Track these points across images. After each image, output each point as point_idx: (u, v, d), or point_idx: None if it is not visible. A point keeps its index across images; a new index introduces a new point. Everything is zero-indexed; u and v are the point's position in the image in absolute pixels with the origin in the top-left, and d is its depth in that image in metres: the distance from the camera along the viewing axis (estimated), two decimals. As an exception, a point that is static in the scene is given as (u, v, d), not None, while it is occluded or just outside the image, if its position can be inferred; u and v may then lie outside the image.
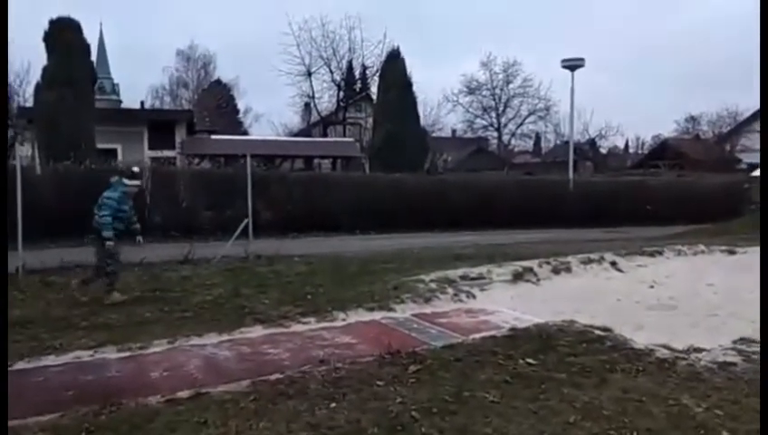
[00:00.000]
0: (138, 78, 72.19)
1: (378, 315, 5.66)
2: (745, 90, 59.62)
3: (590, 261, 8.62)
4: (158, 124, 26.83)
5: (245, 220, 9.53)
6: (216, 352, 4.46)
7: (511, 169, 35.55)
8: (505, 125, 42.36)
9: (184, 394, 3.52)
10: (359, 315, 5.65)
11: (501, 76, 40.34)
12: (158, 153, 24.60)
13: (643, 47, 68.52)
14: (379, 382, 3.70)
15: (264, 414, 3.22)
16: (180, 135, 27.32)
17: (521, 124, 42.32)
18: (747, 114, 35.02)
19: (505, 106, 41.52)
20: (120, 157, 21.47)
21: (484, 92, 41.31)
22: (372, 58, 32.40)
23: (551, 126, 42.12)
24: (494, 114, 42.14)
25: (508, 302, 6.49)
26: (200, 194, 14.21)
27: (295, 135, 38.39)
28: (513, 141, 44.27)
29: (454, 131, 45.56)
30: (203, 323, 5.32)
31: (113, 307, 5.90)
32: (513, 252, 9.78)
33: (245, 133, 39.46)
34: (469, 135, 43.78)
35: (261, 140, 30.64)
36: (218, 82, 43.73)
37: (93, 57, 21.35)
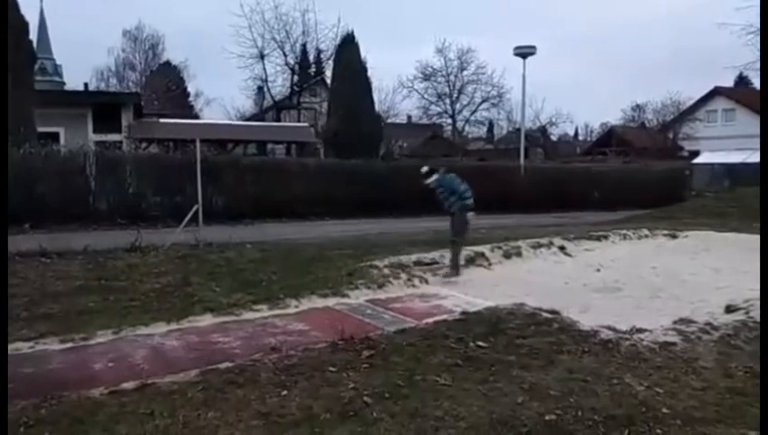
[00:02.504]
0: (82, 59, 69.12)
1: (331, 302, 5.64)
2: (689, 80, 62.08)
3: (540, 246, 8.83)
4: (103, 107, 25.75)
5: (195, 206, 9.30)
6: (163, 341, 4.35)
7: (465, 156, 35.91)
8: (460, 112, 42.70)
9: (129, 386, 3.41)
10: (312, 302, 5.61)
11: (455, 63, 40.59)
12: (104, 137, 23.66)
13: (593, 37, 70.23)
14: (331, 369, 3.69)
15: (212, 404, 3.16)
16: (127, 118, 26.34)
17: (474, 111, 42.75)
18: (690, 103, 36.47)
19: (459, 93, 41.84)
20: (62, 141, 20.53)
21: (439, 79, 41.49)
22: (327, 42, 31.92)
23: (503, 113, 42.71)
24: (448, 101, 42.41)
25: (460, 286, 6.57)
26: (148, 180, 13.76)
27: (248, 120, 37.61)
28: (467, 128, 44.73)
29: (409, 118, 45.65)
30: (150, 312, 5.17)
31: (55, 297, 5.67)
32: (466, 238, 9.88)
33: (196, 117, 38.40)
34: (424, 121, 43.95)
35: (212, 124, 29.86)
36: (168, 64, 42.32)
37: (33, 36, 20.27)
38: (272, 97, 34.50)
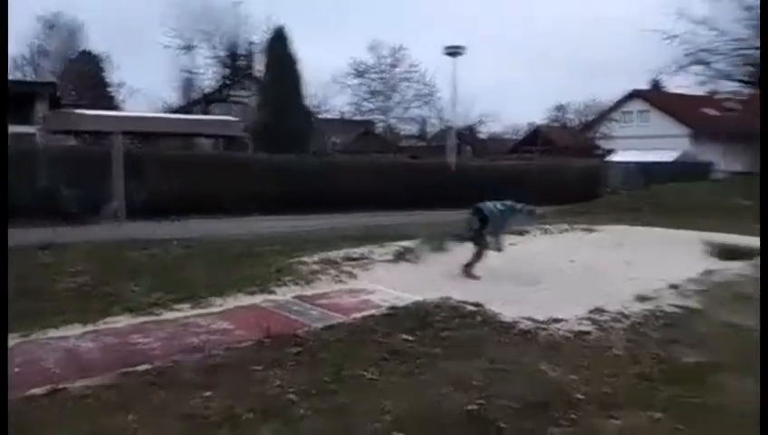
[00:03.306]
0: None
1: (258, 299, 5.54)
2: (609, 82, 65.31)
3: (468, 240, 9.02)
4: (15, 97, 24.04)
5: (115, 202, 8.89)
6: (78, 344, 4.13)
7: (397, 153, 36.20)
8: (392, 109, 42.99)
9: (39, 391, 3.22)
10: (238, 300, 5.49)
11: (388, 60, 40.79)
12: (17, 129, 22.09)
13: (521, 39, 72.46)
14: (256, 367, 3.63)
15: (130, 407, 3.04)
16: (42, 109, 24.75)
17: (407, 109, 43.16)
18: (608, 104, 38.39)
19: (392, 90, 42.11)
20: (-33, 132, 19.04)
21: (372, 76, 41.57)
22: (258, 35, 31.28)
23: (435, 111, 43.36)
24: (381, 98, 42.59)
25: (389, 281, 6.62)
26: (63, 173, 12.99)
27: (175, 112, 36.26)
28: (399, 125, 45.08)
29: (342, 114, 45.50)
30: (64, 313, 4.89)
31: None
32: (397, 233, 10.01)
33: (118, 109, 36.59)
34: (357, 118, 43.94)
35: (135, 117, 28.46)
36: (87, 53, 40.02)
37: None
38: (201, 90, 33.43)
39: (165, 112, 36.74)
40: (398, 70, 40.87)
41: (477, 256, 7.26)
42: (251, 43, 33.01)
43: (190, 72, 32.54)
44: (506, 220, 7.57)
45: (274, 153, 18.06)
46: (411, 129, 47.37)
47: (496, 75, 66.99)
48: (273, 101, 22.43)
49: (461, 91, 43.72)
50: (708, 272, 6.21)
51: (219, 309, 5.18)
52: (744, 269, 6.45)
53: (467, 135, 41.66)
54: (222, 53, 32.26)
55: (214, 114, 33.03)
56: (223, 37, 31.61)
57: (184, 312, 5.03)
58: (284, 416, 2.96)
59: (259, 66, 29.31)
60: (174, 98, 39.55)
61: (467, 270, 7.10)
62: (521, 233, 10.02)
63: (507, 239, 9.50)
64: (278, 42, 23.07)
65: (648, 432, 2.90)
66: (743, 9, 21.47)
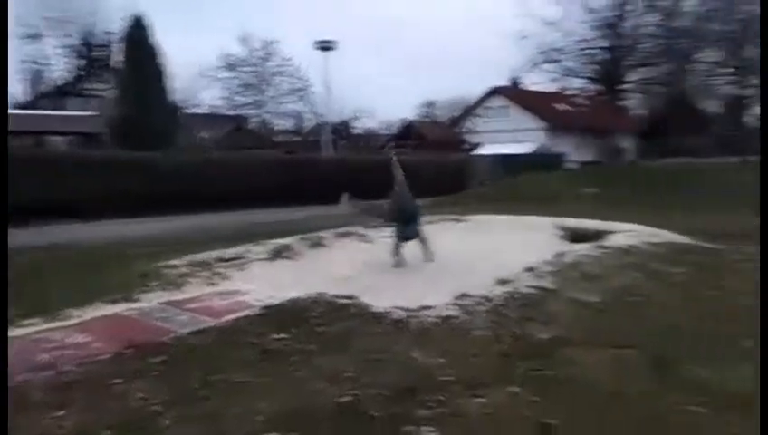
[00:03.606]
0: None
1: (120, 308, 5.18)
2: (476, 79, 68.95)
3: (343, 235, 9.13)
4: None
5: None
6: None
7: (273, 148, 35.59)
8: (266, 103, 42.14)
9: None
10: (98, 310, 5.09)
11: (260, 54, 39.89)
12: None
13: (393, 35, 74.24)
14: (116, 381, 3.41)
15: (-34, 438, 2.71)
16: None
17: (281, 103, 42.54)
18: (473, 101, 40.64)
19: (266, 84, 41.26)
20: None
21: (244, 69, 40.41)
22: (116, 24, 29.07)
23: (309, 106, 43.16)
24: (254, 92, 41.56)
25: (265, 280, 6.50)
26: None
27: (21, 107, 32.68)
28: (273, 120, 44.31)
29: (213, 108, 43.74)
30: None
31: None
32: (273, 230, 9.86)
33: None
34: (230, 112, 42.50)
35: (-30, 113, 25.34)
36: None
37: None
38: (52, 82, 30.45)
39: (10, 108, 33.03)
40: (270, 63, 40.21)
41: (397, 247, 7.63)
42: (108, 33, 30.66)
43: (37, 62, 29.52)
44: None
45: (137, 150, 16.95)
46: (286, 124, 46.82)
47: (369, 71, 68.20)
48: (132, 95, 20.97)
49: (336, 86, 44.00)
50: (560, 254, 6.79)
51: (76, 321, 4.78)
52: (591, 250, 7.13)
53: (343, 130, 41.99)
54: (76, 43, 29.60)
55: (68, 109, 30.25)
56: (76, 25, 29.01)
57: (35, 327, 4.58)
58: (148, 429, 2.81)
59: (119, 57, 27.31)
60: (20, 91, 35.70)
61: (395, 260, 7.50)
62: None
63: (383, 231, 9.79)
64: (137, 30, 21.59)
65: (508, 406, 3.12)
66: (587, 12, 23.71)
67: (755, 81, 35.15)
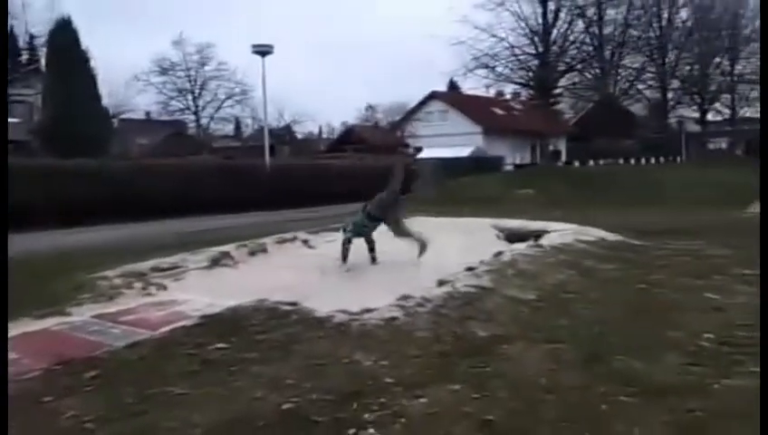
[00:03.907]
0: None
1: (49, 322, 4.93)
2: (414, 83, 69.71)
3: (285, 241, 9.03)
4: None
5: None
6: None
7: (211, 153, 34.79)
8: (204, 108, 41.20)
9: None
10: (24, 326, 4.82)
11: (195, 57, 38.96)
12: None
13: (333, 40, 74.12)
14: (46, 399, 3.25)
15: None
16: None
17: (219, 108, 41.68)
18: (413, 105, 41.16)
19: (202, 89, 40.33)
20: None
21: (178, 73, 39.35)
22: (40, 26, 27.67)
23: (249, 110, 42.52)
24: (190, 97, 40.54)
25: (204, 289, 6.35)
26: None
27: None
28: (212, 125, 43.37)
29: (148, 114, 42.37)
30: None
31: None
32: (212, 238, 9.63)
33: None
34: (165, 118, 41.26)
35: None
36: None
37: None
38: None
39: None
40: (207, 68, 39.33)
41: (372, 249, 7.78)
42: (33, 36, 29.14)
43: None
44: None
45: (69, 157, 16.19)
46: (225, 129, 45.93)
47: (310, 75, 67.88)
48: (59, 100, 20.05)
49: (275, 90, 43.59)
50: (498, 253, 6.98)
51: (0, 338, 4.51)
52: (527, 250, 7.37)
53: (284, 135, 41.58)
54: (-7, 46, 27.93)
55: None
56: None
57: (-47, 346, 4.29)
58: (79, 448, 2.70)
59: (45, 61, 25.99)
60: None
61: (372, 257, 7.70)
62: (338, 230, 10.26)
63: (325, 237, 9.76)
64: (62, 33, 20.68)
65: (450, 404, 3.17)
66: (517, 19, 24.49)
67: (676, 84, 37.30)
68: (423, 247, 7.72)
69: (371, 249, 7.81)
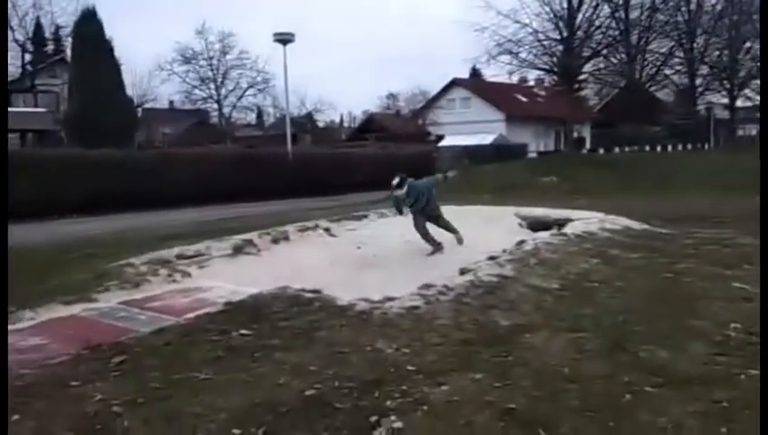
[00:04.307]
0: None
1: (77, 308, 5.04)
2: (433, 72, 69.19)
3: (307, 229, 9.07)
4: None
5: None
6: None
7: (234, 142, 35.06)
8: (226, 97, 41.38)
9: None
10: (52, 311, 4.95)
11: (217, 46, 39.10)
12: None
13: (354, 27, 73.86)
14: (74, 383, 3.32)
15: None
16: None
17: (241, 97, 41.84)
18: (435, 92, 40.83)
19: (224, 78, 40.49)
20: None
21: (201, 62, 39.55)
22: (65, 17, 28.07)
23: (270, 99, 42.61)
24: (212, 86, 40.74)
25: (227, 276, 6.43)
26: None
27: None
28: (234, 114, 43.59)
29: (171, 103, 42.77)
30: None
31: None
32: (235, 226, 9.72)
33: None
34: (188, 107, 41.60)
35: None
36: None
37: None
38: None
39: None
40: (229, 57, 39.46)
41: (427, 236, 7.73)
42: (58, 27, 29.57)
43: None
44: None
45: (92, 147, 16.47)
46: (247, 118, 46.16)
47: (331, 63, 67.78)
48: (85, 90, 20.37)
49: (297, 79, 43.50)
50: (521, 242, 6.92)
51: (30, 323, 4.64)
52: (550, 238, 7.29)
53: (306, 123, 41.65)
54: (22, 37, 28.45)
55: (17, 106, 29.13)
56: (23, 19, 27.87)
57: (-15, 331, 4.41)
58: (107, 431, 2.75)
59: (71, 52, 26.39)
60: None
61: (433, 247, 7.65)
62: (359, 218, 10.30)
63: (346, 225, 9.79)
64: (88, 24, 20.95)
65: (471, 392, 3.16)
66: (541, 3, 24.04)
67: (705, 70, 36.37)
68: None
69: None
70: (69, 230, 10.94)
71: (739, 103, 39.83)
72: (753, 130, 44.14)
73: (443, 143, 33.01)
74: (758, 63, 36.68)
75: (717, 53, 35.77)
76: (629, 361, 3.54)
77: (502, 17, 23.89)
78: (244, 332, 4.14)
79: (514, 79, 35.67)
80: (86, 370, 3.50)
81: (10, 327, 4.51)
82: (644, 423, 2.80)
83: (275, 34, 20.57)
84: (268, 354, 3.73)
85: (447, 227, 7.93)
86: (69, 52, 26.07)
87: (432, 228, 7.80)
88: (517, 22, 24.23)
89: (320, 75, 66.64)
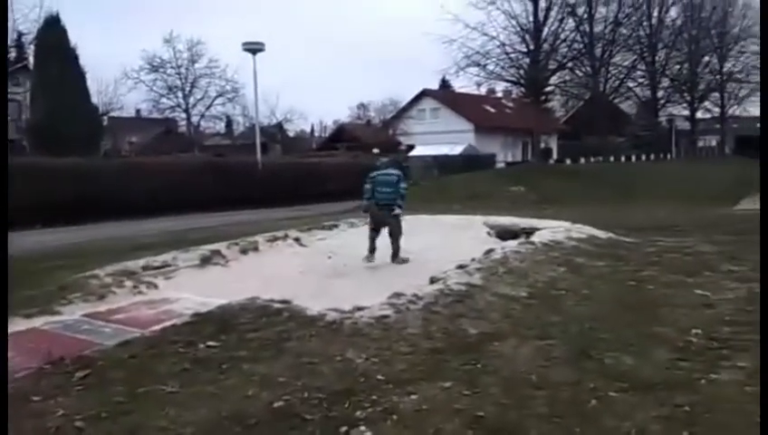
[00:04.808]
0: None
1: (38, 322, 4.90)
2: (406, 81, 69.69)
3: (276, 239, 9.01)
4: None
5: None
6: None
7: (202, 151, 34.62)
8: (194, 106, 40.83)
9: None
10: (13, 325, 4.77)
11: (186, 54, 38.59)
12: None
13: (323, 37, 73.97)
14: (35, 398, 3.23)
15: None
16: None
17: (209, 106, 41.34)
18: (404, 103, 41.12)
19: (192, 86, 39.98)
20: None
21: (168, 71, 38.98)
22: (28, 24, 27.39)
23: (239, 108, 42.23)
24: (180, 94, 40.18)
25: (195, 287, 6.33)
26: None
27: None
28: (203, 123, 43.03)
29: (138, 111, 42.01)
30: None
31: None
32: (203, 236, 9.61)
33: None
34: (156, 115, 40.90)
35: None
36: None
37: None
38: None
39: None
40: (197, 65, 38.96)
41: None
42: (21, 33, 28.82)
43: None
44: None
45: (59, 156, 16.07)
46: (216, 127, 45.59)
47: (301, 73, 67.70)
48: (49, 98, 19.88)
49: (267, 88, 43.29)
50: (489, 251, 7.00)
51: (-12, 338, 4.48)
52: (518, 247, 7.39)
53: (276, 133, 41.40)
54: (-21, 44, 27.63)
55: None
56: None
57: (-60, 347, 4.25)
58: (69, 447, 2.68)
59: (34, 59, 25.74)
60: None
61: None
62: (330, 228, 10.29)
63: (317, 235, 9.76)
64: (51, 31, 20.50)
65: (440, 401, 3.18)
66: (508, 17, 24.53)
67: (666, 82, 37.51)
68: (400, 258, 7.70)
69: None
70: (32, 241, 10.62)
71: (699, 115, 41.12)
72: (713, 141, 45.62)
73: (414, 153, 33.21)
74: (717, 78, 38.03)
75: (678, 66, 36.97)
76: (595, 367, 3.61)
77: (470, 30, 24.28)
78: (211, 343, 4.09)
79: (483, 90, 36.24)
80: (48, 384, 3.41)
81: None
82: (609, 428, 2.86)
83: (245, 44, 20.48)
84: (236, 366, 3.68)
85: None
86: (32, 59, 25.45)
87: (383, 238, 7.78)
88: (485, 34, 24.67)
89: (290, 85, 66.51)
